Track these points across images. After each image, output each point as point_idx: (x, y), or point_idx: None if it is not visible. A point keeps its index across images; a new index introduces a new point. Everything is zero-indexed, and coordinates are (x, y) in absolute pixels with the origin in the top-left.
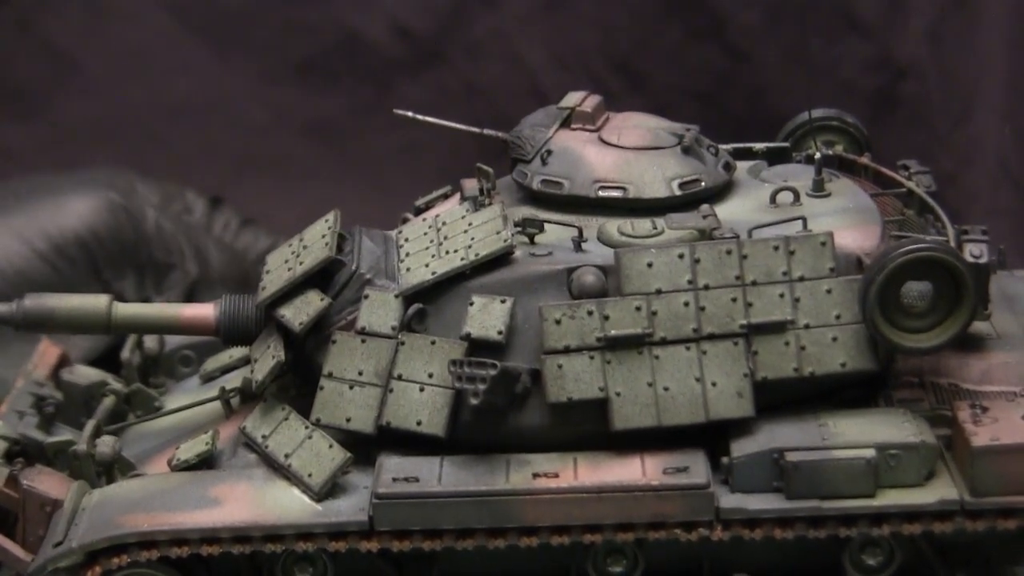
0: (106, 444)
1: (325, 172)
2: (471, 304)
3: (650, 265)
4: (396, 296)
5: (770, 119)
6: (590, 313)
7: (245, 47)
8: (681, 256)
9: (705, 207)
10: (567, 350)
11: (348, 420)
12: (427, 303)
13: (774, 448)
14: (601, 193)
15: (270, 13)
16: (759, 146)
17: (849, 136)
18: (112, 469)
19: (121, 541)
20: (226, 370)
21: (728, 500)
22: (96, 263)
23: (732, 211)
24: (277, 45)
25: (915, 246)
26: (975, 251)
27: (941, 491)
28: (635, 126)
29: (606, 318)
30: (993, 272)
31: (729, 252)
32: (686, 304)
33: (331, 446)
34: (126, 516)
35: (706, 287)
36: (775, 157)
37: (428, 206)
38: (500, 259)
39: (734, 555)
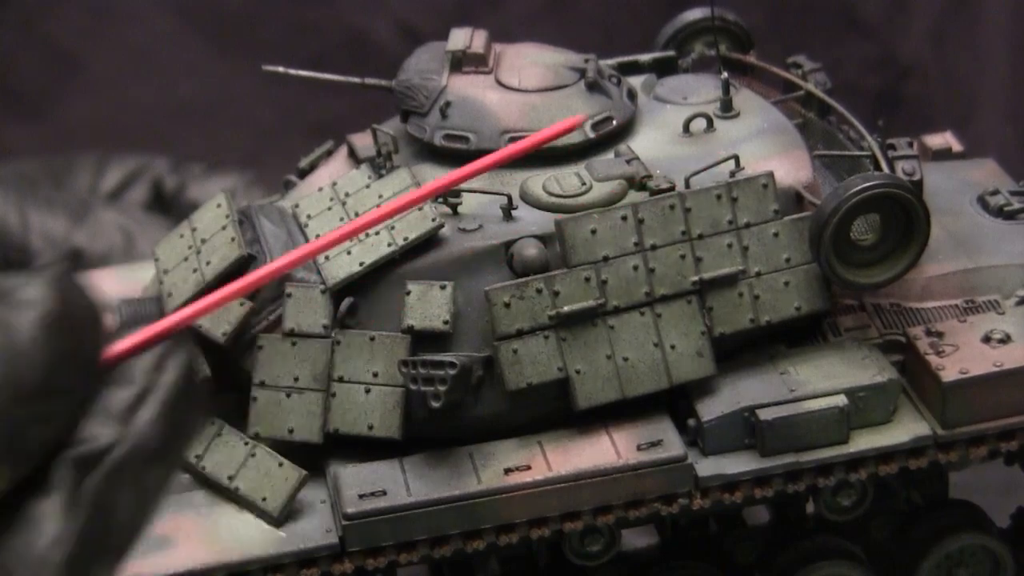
0: None
1: None
2: (408, 293)
3: (594, 232)
4: (323, 292)
5: None
6: (539, 291)
7: (250, 47)
8: (624, 218)
9: (624, 148)
10: (520, 333)
11: (291, 431)
12: (357, 295)
13: (744, 407)
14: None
15: (275, 13)
16: (645, 58)
17: (730, 35)
18: None
19: None
20: None
21: (705, 467)
22: None
23: (647, 146)
24: (283, 45)
25: (866, 185)
26: (907, 168)
27: (911, 427)
28: (532, 63)
29: (556, 294)
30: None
31: (672, 207)
32: (635, 268)
33: (281, 464)
34: None
35: (653, 247)
36: (663, 67)
37: (312, 167)
38: (431, 238)
39: (717, 507)
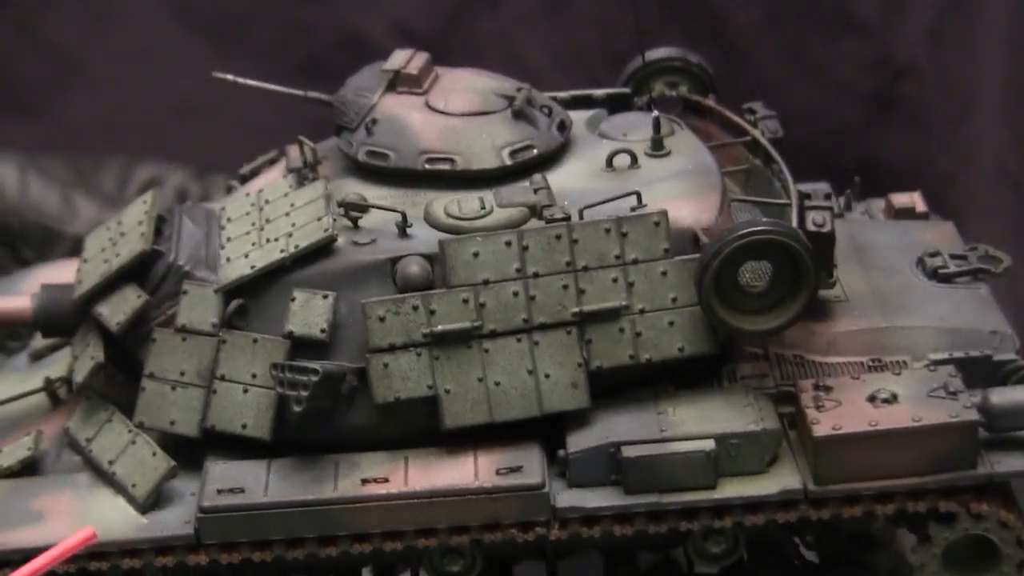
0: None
1: None
2: (293, 299)
3: (476, 255)
4: (216, 291)
5: None
6: (415, 308)
7: (247, 47)
8: (509, 244)
9: (537, 178)
10: (392, 348)
11: (172, 423)
12: (248, 297)
13: (611, 442)
14: (428, 166)
15: (272, 13)
16: (598, 93)
17: (693, 77)
18: None
19: None
20: (56, 348)
21: (564, 498)
22: None
23: (566, 178)
24: (279, 45)
25: (750, 230)
26: (817, 219)
27: (784, 479)
28: (463, 88)
29: (432, 312)
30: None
31: (559, 237)
32: (515, 294)
33: (155, 453)
34: None
35: (535, 275)
36: (616, 104)
37: (253, 173)
38: (322, 248)
39: (576, 539)
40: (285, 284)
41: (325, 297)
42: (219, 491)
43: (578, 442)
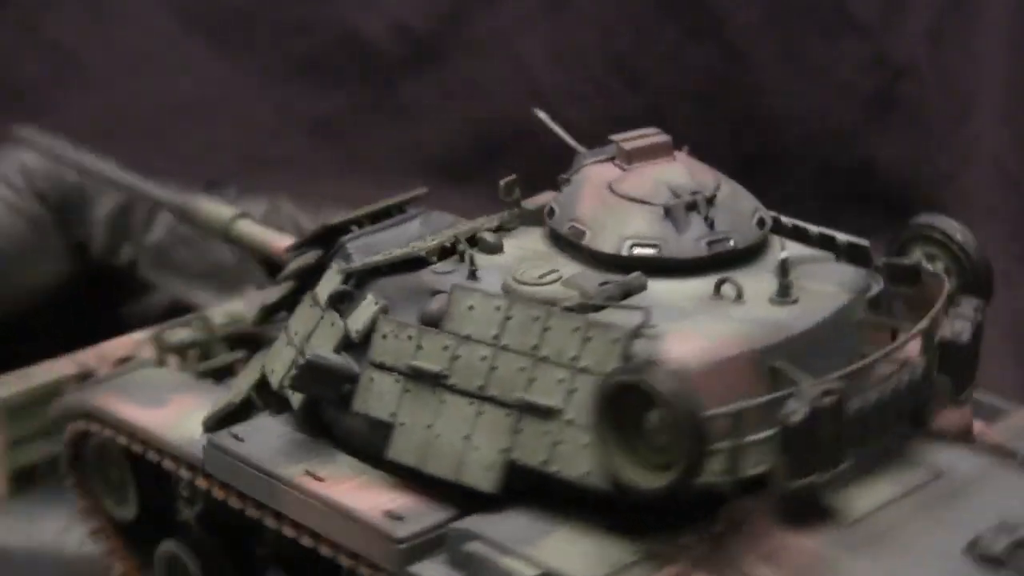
0: (175, 334)
1: (327, 168)
2: (364, 299)
3: (471, 308)
4: (338, 273)
5: (766, 118)
6: (410, 338)
7: (247, 46)
8: (498, 308)
9: (632, 276)
10: (382, 366)
11: (272, 372)
12: (357, 287)
13: (463, 532)
14: (563, 231)
15: (272, 12)
16: (842, 237)
17: (950, 254)
18: (185, 356)
19: (75, 410)
20: None
21: (419, 566)
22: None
23: (672, 290)
24: (279, 44)
25: (619, 368)
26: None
27: None
28: (649, 175)
29: (419, 348)
30: None
31: (536, 319)
32: (483, 359)
33: (239, 390)
34: (102, 394)
35: (505, 347)
36: (854, 254)
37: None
38: (413, 264)
39: None
40: (374, 285)
41: (375, 303)
42: (231, 433)
43: (463, 521)
